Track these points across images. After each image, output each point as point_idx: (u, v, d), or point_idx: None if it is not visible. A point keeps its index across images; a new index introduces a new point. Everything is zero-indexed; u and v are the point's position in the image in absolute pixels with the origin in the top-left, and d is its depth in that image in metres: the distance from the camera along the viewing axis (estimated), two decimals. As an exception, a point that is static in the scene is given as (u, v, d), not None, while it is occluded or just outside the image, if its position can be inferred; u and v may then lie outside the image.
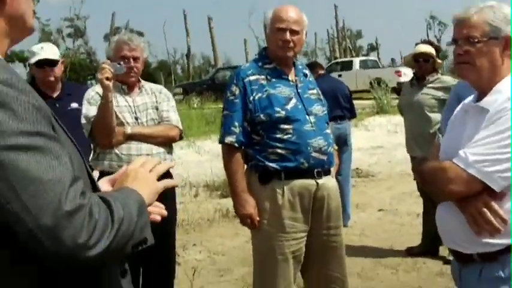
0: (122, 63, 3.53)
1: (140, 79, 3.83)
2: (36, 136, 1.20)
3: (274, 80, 3.27)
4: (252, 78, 3.25)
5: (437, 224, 2.24)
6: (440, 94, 5.22)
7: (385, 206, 7.60)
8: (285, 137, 3.17)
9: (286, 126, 3.18)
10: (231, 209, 7.30)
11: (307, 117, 3.23)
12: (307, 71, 3.48)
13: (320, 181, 3.25)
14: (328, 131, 3.36)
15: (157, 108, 3.78)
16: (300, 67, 3.44)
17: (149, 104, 3.77)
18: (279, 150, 3.17)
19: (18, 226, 1.17)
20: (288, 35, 3.20)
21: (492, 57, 2.04)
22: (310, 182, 3.23)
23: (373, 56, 41.88)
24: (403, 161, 10.61)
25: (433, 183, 2.09)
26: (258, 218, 3.22)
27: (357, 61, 27.75)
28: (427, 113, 5.23)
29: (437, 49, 5.56)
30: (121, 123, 3.60)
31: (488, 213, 1.96)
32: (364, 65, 27.06)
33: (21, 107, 1.20)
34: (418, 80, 5.41)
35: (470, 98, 2.21)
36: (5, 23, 1.35)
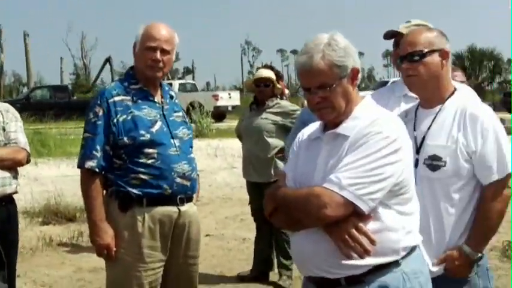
0: None
1: None
2: None
3: (140, 101, 3.11)
4: (117, 99, 3.07)
5: (295, 251, 2.23)
6: (279, 119, 5.37)
7: (211, 230, 7.62)
8: (149, 161, 3.03)
9: (150, 151, 3.03)
10: (54, 237, 6.92)
11: (172, 140, 3.12)
12: (173, 93, 3.37)
13: (182, 208, 3.14)
14: (193, 155, 3.27)
15: (4, 129, 3.48)
16: (167, 88, 3.32)
17: None
18: (142, 176, 3.02)
19: None
20: (158, 55, 3.07)
21: (346, 92, 2.11)
22: (172, 209, 3.10)
23: (188, 79, 42.45)
24: (223, 185, 10.88)
25: (302, 209, 2.06)
26: (115, 248, 3.02)
27: (176, 84, 27.89)
28: (266, 138, 5.33)
29: (278, 74, 5.73)
30: None
31: (358, 235, 2.00)
32: (183, 88, 27.39)
33: None
34: (258, 105, 5.51)
35: (315, 126, 2.27)
36: None
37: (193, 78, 51.16)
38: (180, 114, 3.31)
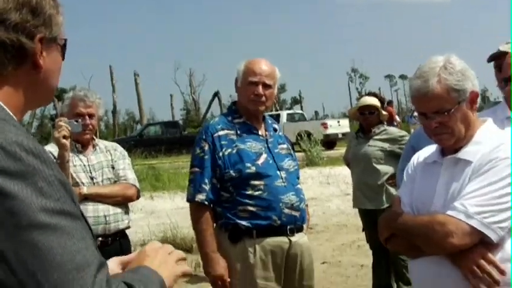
0: (79, 120, 3.39)
1: (94, 137, 3.68)
2: (61, 215, 1.07)
3: (244, 134, 3.19)
4: (221, 133, 3.16)
5: (416, 278, 2.18)
6: (386, 145, 5.28)
7: (328, 258, 7.56)
8: (256, 193, 3.08)
9: (257, 182, 3.08)
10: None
11: (278, 172, 3.15)
12: (276, 126, 3.43)
13: (293, 238, 3.15)
14: (300, 186, 3.29)
15: (113, 167, 3.63)
16: (270, 122, 3.38)
17: (104, 163, 3.62)
18: (250, 207, 3.07)
19: None
20: (260, 89, 3.14)
21: (465, 116, 2.05)
22: (282, 240, 3.12)
23: (297, 109, 42.80)
24: (337, 212, 10.78)
25: (424, 237, 2.02)
26: (229, 279, 3.08)
27: (284, 114, 28.24)
28: (375, 165, 5.26)
29: (382, 101, 5.67)
30: (76, 184, 3.41)
31: (487, 265, 1.93)
32: (291, 118, 27.60)
33: (45, 182, 1.08)
34: (364, 133, 5.46)
35: (430, 149, 2.21)
36: (32, 91, 1.28)
37: (301, 108, 51.51)
38: (285, 146, 3.35)
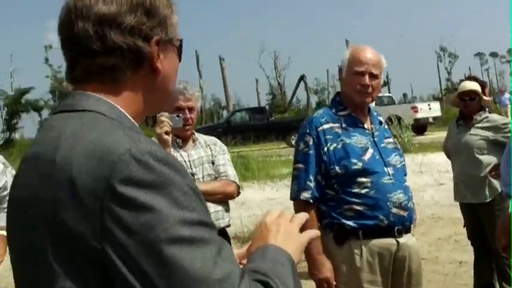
0: (180, 115, 3.26)
1: (194, 132, 3.56)
2: (197, 226, 1.01)
3: (349, 128, 3.00)
4: (325, 126, 2.98)
5: None
6: (489, 134, 4.92)
7: (424, 254, 7.20)
8: (363, 191, 2.88)
9: (363, 180, 2.89)
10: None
11: (385, 168, 2.95)
12: (381, 118, 3.21)
13: (401, 240, 2.95)
14: (407, 183, 3.06)
15: (213, 163, 3.50)
16: (375, 114, 3.17)
17: (205, 158, 3.49)
18: (356, 206, 2.88)
19: None
20: (367, 79, 2.94)
21: None
22: (390, 242, 2.93)
23: (384, 92, 41.87)
24: (431, 203, 10.34)
25: None
26: (335, 282, 2.91)
27: (372, 98, 27.50)
28: (477, 155, 4.91)
29: (483, 85, 5.26)
30: None
31: None
32: (380, 101, 26.84)
33: (180, 192, 1.01)
34: (465, 120, 5.11)
35: None
36: (150, 96, 1.23)
37: (389, 91, 50.30)
38: (391, 140, 3.14)
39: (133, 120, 1.17)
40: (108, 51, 1.15)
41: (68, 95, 1.20)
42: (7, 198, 3.35)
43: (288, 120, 28.15)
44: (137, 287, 0.97)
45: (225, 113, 42.91)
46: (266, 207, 8.67)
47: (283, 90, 55.16)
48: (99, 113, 1.12)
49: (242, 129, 25.41)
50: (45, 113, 45.48)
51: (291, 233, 1.26)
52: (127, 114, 1.17)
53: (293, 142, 24.71)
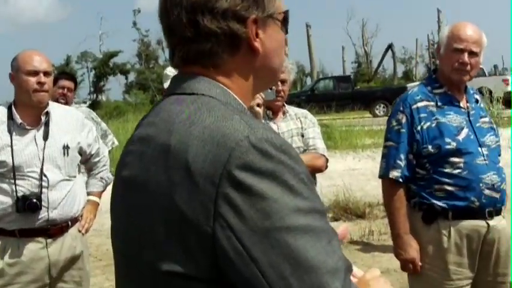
0: (273, 87, 3.24)
1: (285, 103, 3.56)
2: (312, 214, 0.98)
3: (444, 106, 2.93)
4: (420, 104, 2.92)
5: None
6: None
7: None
8: (455, 171, 2.82)
9: (456, 160, 2.83)
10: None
11: (479, 149, 2.87)
12: (478, 96, 3.11)
13: (491, 222, 2.88)
14: (501, 164, 2.98)
15: (302, 135, 3.50)
16: (472, 92, 3.08)
17: (294, 131, 3.50)
18: (447, 187, 2.83)
19: None
20: (466, 57, 2.85)
21: None
22: (480, 224, 2.87)
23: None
24: (526, 182, 9.88)
25: None
26: (420, 263, 2.89)
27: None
28: None
29: None
30: None
31: None
32: (469, 73, 25.75)
33: (295, 179, 0.98)
34: None
35: None
36: (254, 76, 1.20)
37: (479, 62, 47.92)
38: (487, 119, 3.04)
39: (242, 103, 1.16)
40: (203, 38, 1.13)
41: (177, 78, 1.19)
42: (99, 164, 3.50)
43: (373, 89, 27.65)
44: (246, 274, 0.96)
45: (308, 81, 42.41)
46: (347, 178, 8.58)
47: (370, 59, 53.97)
48: (211, 97, 1.11)
49: (326, 97, 25.15)
50: (132, 76, 46.70)
51: None
52: (236, 97, 1.15)
53: (377, 112, 24.43)
